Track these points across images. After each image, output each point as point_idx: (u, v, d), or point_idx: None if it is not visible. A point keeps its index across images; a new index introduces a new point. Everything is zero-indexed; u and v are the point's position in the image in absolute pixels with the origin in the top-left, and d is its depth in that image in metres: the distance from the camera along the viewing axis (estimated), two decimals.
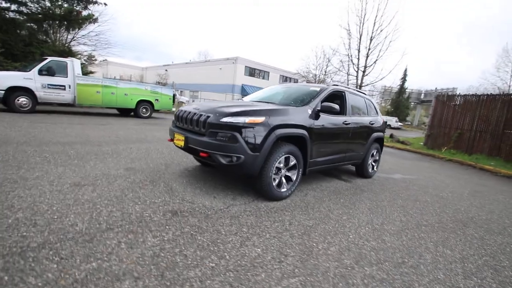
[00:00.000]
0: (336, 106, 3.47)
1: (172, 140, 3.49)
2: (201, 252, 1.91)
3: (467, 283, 1.95)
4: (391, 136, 15.46)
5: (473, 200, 4.35)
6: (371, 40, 16.74)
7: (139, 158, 4.33)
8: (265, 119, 2.84)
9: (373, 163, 5.07)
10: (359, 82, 17.53)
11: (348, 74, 18.44)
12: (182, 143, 3.08)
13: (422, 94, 51.39)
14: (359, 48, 16.86)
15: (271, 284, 1.66)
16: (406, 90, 47.48)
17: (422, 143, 13.13)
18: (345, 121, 3.99)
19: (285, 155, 3.06)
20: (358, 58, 17.07)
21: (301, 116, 3.27)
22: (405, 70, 45.77)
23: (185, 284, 1.56)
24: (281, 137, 2.96)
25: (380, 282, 1.83)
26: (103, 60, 22.52)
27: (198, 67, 36.18)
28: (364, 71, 17.31)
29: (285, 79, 37.34)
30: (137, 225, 2.16)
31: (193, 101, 19.36)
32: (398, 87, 45.51)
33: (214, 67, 32.53)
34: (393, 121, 33.11)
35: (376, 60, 16.74)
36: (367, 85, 17.72)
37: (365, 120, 4.58)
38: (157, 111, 12.26)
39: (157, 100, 11.53)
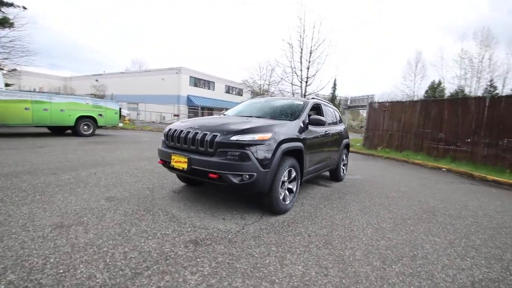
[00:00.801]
0: (324, 119, 3.75)
1: (164, 162, 3.21)
2: (250, 280, 1.82)
3: (466, 264, 2.34)
4: None
5: (425, 191, 5.18)
6: (310, 53, 18.37)
7: (113, 184, 3.81)
8: (271, 135, 2.88)
9: (343, 167, 5.57)
10: (303, 91, 18.97)
11: (292, 84, 19.79)
12: (184, 165, 2.86)
13: (349, 101, 58.74)
14: (301, 61, 18.32)
15: None
16: (337, 98, 53.31)
17: (359, 144, 14.93)
18: (326, 131, 4.32)
19: (288, 169, 3.15)
20: (301, 70, 18.51)
21: (296, 129, 3.41)
22: (335, 80, 51.56)
23: None
24: (285, 151, 3.04)
25: (411, 276, 2.05)
26: (12, 70, 18.77)
27: (136, 77, 33.57)
28: (306, 82, 18.84)
29: (228, 88, 37.71)
30: (165, 264, 1.92)
31: (138, 114, 17.84)
32: (330, 95, 50.86)
33: (156, 77, 30.68)
34: None
35: (316, 72, 18.42)
36: (309, 94, 19.28)
37: (337, 129, 5.03)
38: (101, 127, 10.92)
39: (100, 115, 10.29)
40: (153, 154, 6.90)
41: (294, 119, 3.61)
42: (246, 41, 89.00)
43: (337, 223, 3.06)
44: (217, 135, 2.77)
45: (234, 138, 2.71)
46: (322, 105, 4.65)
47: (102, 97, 23.54)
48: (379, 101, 14.83)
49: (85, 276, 1.71)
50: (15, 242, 2.04)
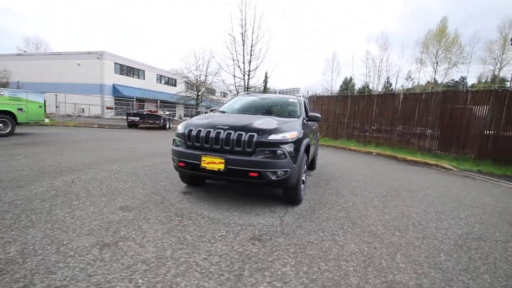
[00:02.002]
0: (319, 115, 4.20)
1: (187, 164, 3.07)
2: (329, 262, 2.10)
3: (445, 224, 3.18)
4: None
5: (376, 173, 6.35)
6: (251, 47, 18.82)
7: (110, 192, 3.38)
8: (297, 133, 3.14)
9: (316, 157, 6.26)
10: (245, 84, 19.39)
11: (234, 76, 19.93)
12: (220, 166, 2.83)
13: (277, 93, 63.10)
14: (244, 54, 18.61)
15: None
16: (268, 90, 55.99)
17: None
18: (314, 126, 4.81)
19: (305, 162, 3.48)
20: (244, 63, 18.82)
21: (302, 126, 3.75)
22: (266, 73, 53.90)
23: None
24: (305, 147, 3.35)
25: (424, 238, 2.70)
26: None
27: (40, 60, 27.40)
28: (249, 75, 19.31)
29: (161, 78, 34.96)
30: (253, 262, 2.01)
31: (57, 106, 14.83)
32: (262, 87, 53.03)
33: (69, 62, 25.72)
34: None
35: (257, 66, 19.04)
36: (253, 87, 19.89)
37: (315, 123, 5.61)
38: (21, 124, 8.78)
39: (20, 109, 8.29)
40: (115, 154, 6.16)
41: (297, 116, 3.93)
42: (181, 28, 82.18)
43: (344, 206, 3.59)
44: (254, 135, 2.85)
45: (271, 137, 2.86)
46: (305, 101, 5.11)
47: (5, 85, 18.64)
48: (318, 95, 16.60)
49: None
50: (73, 272, 1.75)
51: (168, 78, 35.02)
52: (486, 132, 8.94)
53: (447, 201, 4.20)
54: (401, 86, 48.49)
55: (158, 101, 24.06)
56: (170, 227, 2.50)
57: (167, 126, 17.08)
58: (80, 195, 3.20)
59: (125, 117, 17.32)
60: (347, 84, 52.60)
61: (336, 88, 51.26)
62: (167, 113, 19.38)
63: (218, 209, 3.06)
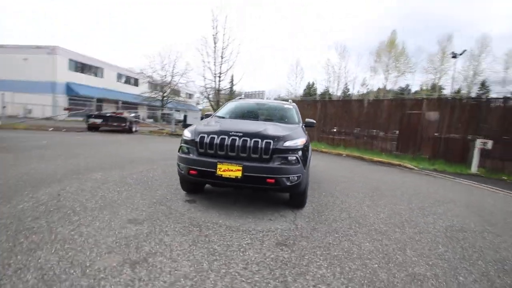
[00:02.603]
0: (314, 121, 4.41)
1: (200, 172, 2.99)
2: (357, 261, 2.26)
3: (430, 219, 3.59)
4: None
5: (355, 174, 6.83)
6: (222, 50, 18.72)
7: (108, 205, 3.13)
8: (306, 139, 3.28)
9: None
10: (217, 86, 19.21)
11: (204, 78, 19.59)
12: (238, 173, 2.83)
13: (243, 95, 63.69)
14: (215, 56, 18.43)
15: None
16: (234, 92, 56.06)
17: None
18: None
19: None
20: (215, 65, 18.63)
21: (305, 132, 3.91)
22: (232, 76, 53.90)
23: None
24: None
25: (421, 233, 3.03)
26: None
27: None
28: (220, 77, 19.16)
29: (122, 77, 32.67)
30: (290, 267, 2.08)
31: (4, 107, 12.93)
32: (229, 89, 52.89)
33: (14, 57, 22.60)
34: None
35: (227, 70, 18.99)
36: (223, 89, 19.78)
37: None
38: None
39: None
40: (93, 161, 5.66)
41: (296, 123, 4.09)
42: (144, 24, 76.97)
43: (343, 207, 3.83)
44: (270, 142, 2.91)
45: (286, 144, 2.95)
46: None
47: None
48: (292, 98, 17.26)
49: None
50: None
51: (130, 77, 32.91)
52: (437, 135, 10.22)
53: (423, 198, 4.73)
54: (358, 92, 52.42)
55: (120, 102, 22.43)
56: (193, 239, 2.43)
57: (133, 129, 16.06)
58: (76, 209, 2.91)
59: (81, 119, 15.85)
60: (310, 88, 55.17)
61: (300, 92, 53.40)
62: (132, 114, 18.20)
63: (231, 217, 3.04)
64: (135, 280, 1.77)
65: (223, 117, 4.21)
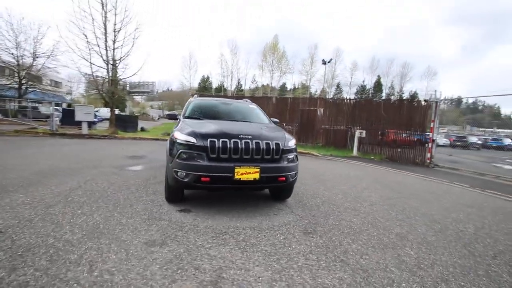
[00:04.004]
0: (278, 120, 4.87)
1: (213, 178, 2.86)
2: (365, 232, 2.94)
3: (375, 192, 4.85)
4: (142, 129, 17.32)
5: (329, 170, 7.83)
6: (115, 32, 16.00)
7: (104, 231, 2.50)
8: (294, 138, 3.69)
9: None
10: (110, 75, 16.31)
11: (91, 64, 16.13)
12: (255, 175, 2.91)
13: (128, 86, 56.09)
14: (106, 39, 15.47)
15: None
16: (121, 82, 48.56)
17: None
18: None
19: None
20: (106, 50, 15.67)
21: None
22: (115, 63, 46.25)
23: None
24: None
25: (425, 225, 4.12)
26: None
27: None
28: (113, 64, 16.35)
29: None
30: (337, 247, 2.49)
31: None
32: (127, 79, 45.34)
33: None
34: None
35: (122, 57, 16.40)
36: (120, 80, 17.02)
37: None
38: None
39: None
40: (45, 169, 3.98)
41: (267, 122, 4.40)
42: None
43: (311, 193, 4.53)
44: (279, 143, 3.14)
45: (290, 144, 3.28)
46: None
47: None
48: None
49: None
50: None
51: None
52: (328, 127, 12.97)
53: (346, 178, 6.16)
54: (249, 88, 56.80)
55: None
56: (237, 246, 2.42)
57: None
58: (75, 237, 2.18)
59: None
60: (205, 82, 55.15)
61: (194, 85, 52.44)
62: None
63: (244, 219, 3.10)
64: None
65: (197, 118, 3.96)
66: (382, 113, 11.45)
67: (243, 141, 3.00)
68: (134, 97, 56.99)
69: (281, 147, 3.19)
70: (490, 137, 29.48)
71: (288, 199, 4.02)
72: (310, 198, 4.22)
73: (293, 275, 2.00)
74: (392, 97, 49.10)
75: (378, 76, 53.15)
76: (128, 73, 17.59)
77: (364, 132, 11.19)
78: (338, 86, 53.59)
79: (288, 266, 2.13)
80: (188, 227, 2.76)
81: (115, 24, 15.82)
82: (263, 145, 3.08)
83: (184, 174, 2.92)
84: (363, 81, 53.88)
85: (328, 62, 28.29)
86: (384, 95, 52.52)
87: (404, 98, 47.37)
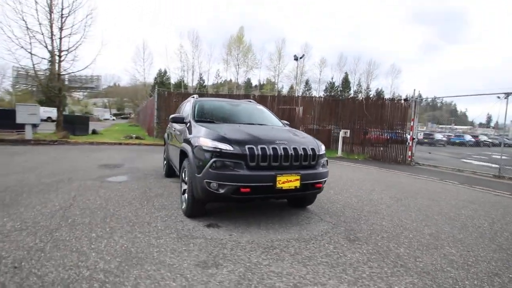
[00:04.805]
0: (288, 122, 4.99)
1: (254, 188, 2.86)
2: (397, 229, 3.20)
3: (365, 187, 5.23)
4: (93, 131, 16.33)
5: None
6: (61, 18, 14.62)
7: (126, 257, 2.34)
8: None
9: None
10: (56, 68, 14.84)
11: (32, 54, 14.48)
12: (296, 183, 2.98)
13: (67, 79, 51.32)
14: (52, 26, 14.03)
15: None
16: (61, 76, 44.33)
17: (149, 135, 15.60)
18: None
19: None
20: (52, 39, 14.22)
21: None
22: (60, 56, 41.93)
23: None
24: None
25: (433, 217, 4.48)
26: None
27: None
28: (60, 56, 14.90)
29: None
30: (381, 257, 2.69)
31: None
32: (89, 74, 40.93)
33: None
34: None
35: (70, 47, 15.03)
36: (69, 74, 15.58)
37: None
38: None
39: None
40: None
41: (281, 125, 4.49)
42: None
43: (326, 195, 4.74)
44: (314, 148, 3.25)
45: (323, 148, 3.41)
46: None
47: None
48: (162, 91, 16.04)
49: None
50: None
51: None
52: (311, 127, 13.51)
53: (364, 182, 6.54)
54: (213, 83, 56.14)
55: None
56: (296, 260, 2.47)
57: None
58: (112, 265, 2.00)
59: None
60: (162, 76, 52.99)
61: (149, 79, 50.07)
62: None
63: (280, 230, 3.15)
64: None
65: (211, 122, 3.86)
66: (365, 112, 12.32)
67: (281, 147, 3.04)
68: (73, 93, 52.28)
69: (316, 153, 3.30)
70: (452, 134, 33.58)
71: (308, 205, 4.16)
72: (327, 203, 4.42)
73: (369, 285, 2.13)
74: (359, 95, 52.82)
75: (346, 73, 56.73)
76: (78, 66, 15.94)
77: (348, 131, 11.90)
78: (307, 83, 55.84)
79: (358, 276, 2.25)
80: (231, 243, 2.72)
81: (62, 9, 14.45)
82: (301, 151, 3.15)
83: (220, 185, 2.86)
84: (332, 78, 56.98)
85: (301, 58, 29.33)
86: (352, 92, 56.20)
87: (370, 96, 51.23)
